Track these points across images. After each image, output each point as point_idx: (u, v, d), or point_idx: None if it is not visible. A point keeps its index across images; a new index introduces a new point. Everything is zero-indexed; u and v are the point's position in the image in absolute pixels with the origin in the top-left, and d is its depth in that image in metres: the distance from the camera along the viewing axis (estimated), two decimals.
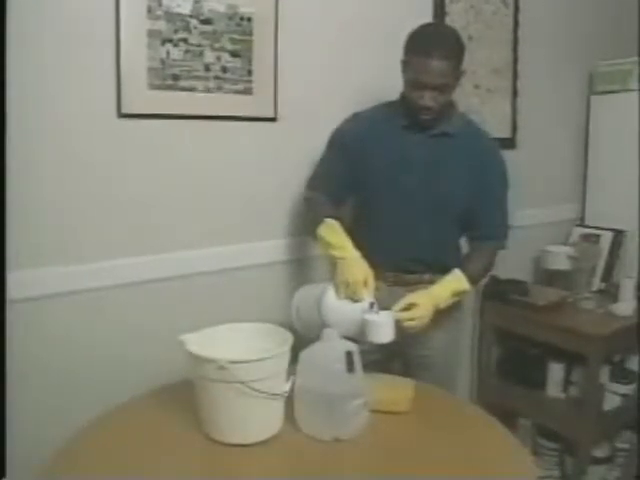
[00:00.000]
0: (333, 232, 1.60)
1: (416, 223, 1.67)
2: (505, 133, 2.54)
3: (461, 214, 1.68)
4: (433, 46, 1.52)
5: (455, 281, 1.60)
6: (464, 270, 1.61)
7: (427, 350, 1.73)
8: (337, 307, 1.48)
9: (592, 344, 2.13)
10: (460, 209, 1.67)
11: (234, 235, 1.83)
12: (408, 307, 1.50)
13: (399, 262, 1.70)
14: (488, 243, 1.70)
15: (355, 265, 1.52)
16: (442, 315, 1.60)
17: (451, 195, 1.65)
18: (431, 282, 1.64)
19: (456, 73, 1.57)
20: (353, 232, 1.62)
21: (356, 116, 1.74)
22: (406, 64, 1.59)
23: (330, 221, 1.60)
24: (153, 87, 1.62)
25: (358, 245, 1.58)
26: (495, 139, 1.79)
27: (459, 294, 1.62)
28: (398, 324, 1.46)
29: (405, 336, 1.52)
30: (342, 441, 1.27)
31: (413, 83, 1.57)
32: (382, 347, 1.50)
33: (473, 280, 1.63)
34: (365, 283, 1.49)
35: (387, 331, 1.43)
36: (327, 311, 1.48)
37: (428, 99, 1.55)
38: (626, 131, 2.62)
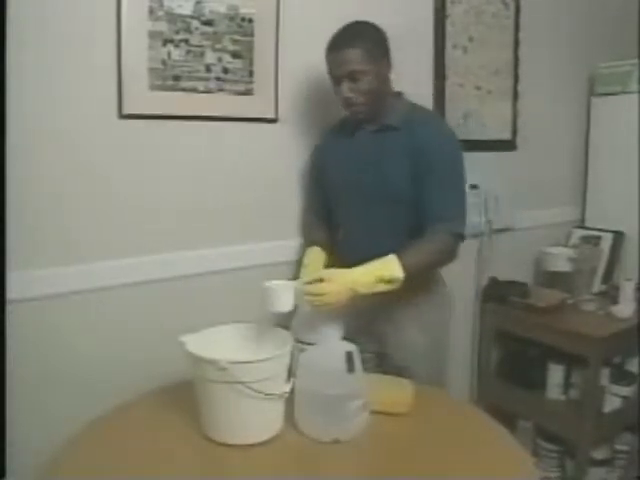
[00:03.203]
0: (305, 258, 1.74)
1: (372, 220, 1.68)
2: (505, 135, 2.54)
3: (414, 205, 1.62)
4: (339, 38, 1.59)
5: (382, 267, 1.46)
6: (401, 256, 1.48)
7: (406, 355, 1.68)
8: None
9: (592, 346, 2.13)
10: (410, 200, 1.61)
11: (235, 236, 1.83)
12: (319, 281, 1.43)
13: (364, 260, 1.59)
14: (435, 227, 1.56)
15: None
16: (420, 317, 1.65)
17: (397, 187, 1.61)
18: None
19: (371, 60, 1.56)
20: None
21: (323, 132, 1.84)
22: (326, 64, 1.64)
23: (310, 249, 1.75)
24: (154, 88, 1.62)
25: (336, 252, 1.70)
26: (446, 127, 1.70)
27: (388, 282, 1.46)
28: (306, 298, 1.43)
29: (370, 313, 1.57)
30: (342, 442, 1.27)
31: (332, 79, 1.62)
32: (348, 328, 1.52)
33: (412, 267, 1.47)
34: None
35: (285, 299, 1.42)
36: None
37: (346, 90, 1.59)
38: (626, 133, 2.62)
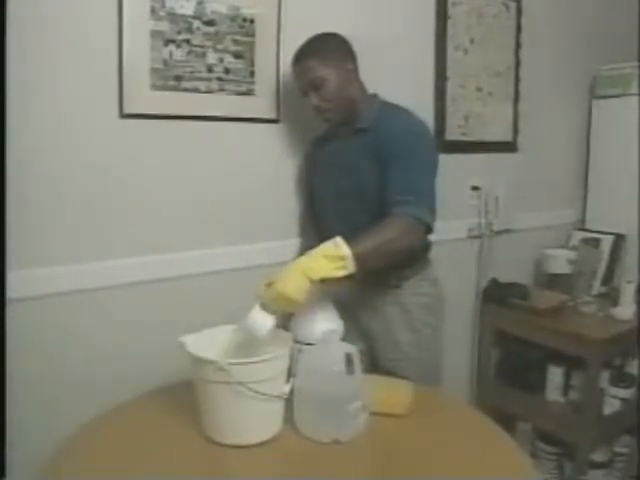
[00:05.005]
0: None
1: (353, 225, 1.63)
2: (506, 136, 2.54)
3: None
4: (298, 52, 1.66)
5: (327, 246, 1.40)
6: (350, 239, 1.41)
7: (394, 356, 1.70)
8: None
9: (592, 348, 2.13)
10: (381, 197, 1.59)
11: (235, 236, 1.83)
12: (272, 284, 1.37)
13: None
14: (392, 211, 1.50)
15: None
16: (409, 317, 1.67)
17: (372, 189, 1.60)
18: (393, 281, 1.67)
19: (329, 67, 1.60)
20: None
21: (311, 139, 1.88)
22: None
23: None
24: (155, 88, 1.62)
25: None
26: (411, 119, 1.62)
27: (335, 259, 1.38)
28: (272, 305, 1.36)
29: (356, 309, 1.62)
30: (341, 443, 1.27)
31: (300, 92, 1.67)
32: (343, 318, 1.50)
33: (362, 247, 1.40)
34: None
35: (263, 320, 1.34)
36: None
37: (313, 99, 1.63)
38: (627, 135, 2.62)
